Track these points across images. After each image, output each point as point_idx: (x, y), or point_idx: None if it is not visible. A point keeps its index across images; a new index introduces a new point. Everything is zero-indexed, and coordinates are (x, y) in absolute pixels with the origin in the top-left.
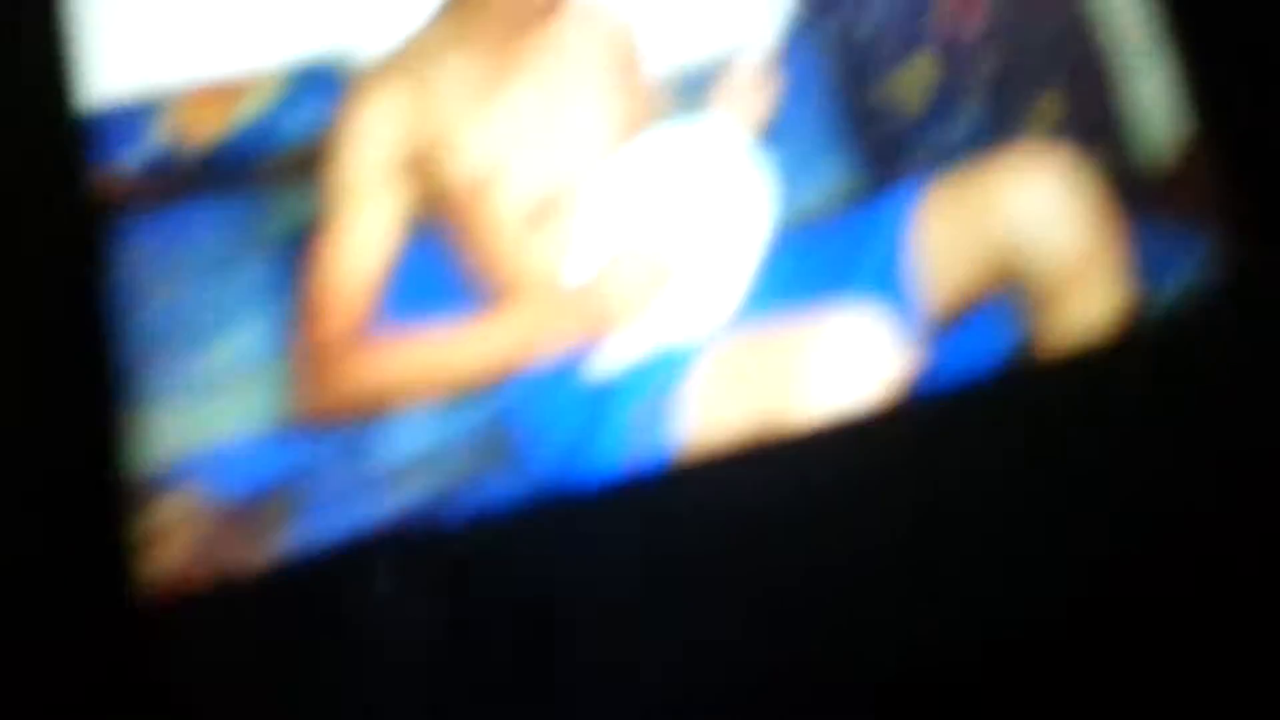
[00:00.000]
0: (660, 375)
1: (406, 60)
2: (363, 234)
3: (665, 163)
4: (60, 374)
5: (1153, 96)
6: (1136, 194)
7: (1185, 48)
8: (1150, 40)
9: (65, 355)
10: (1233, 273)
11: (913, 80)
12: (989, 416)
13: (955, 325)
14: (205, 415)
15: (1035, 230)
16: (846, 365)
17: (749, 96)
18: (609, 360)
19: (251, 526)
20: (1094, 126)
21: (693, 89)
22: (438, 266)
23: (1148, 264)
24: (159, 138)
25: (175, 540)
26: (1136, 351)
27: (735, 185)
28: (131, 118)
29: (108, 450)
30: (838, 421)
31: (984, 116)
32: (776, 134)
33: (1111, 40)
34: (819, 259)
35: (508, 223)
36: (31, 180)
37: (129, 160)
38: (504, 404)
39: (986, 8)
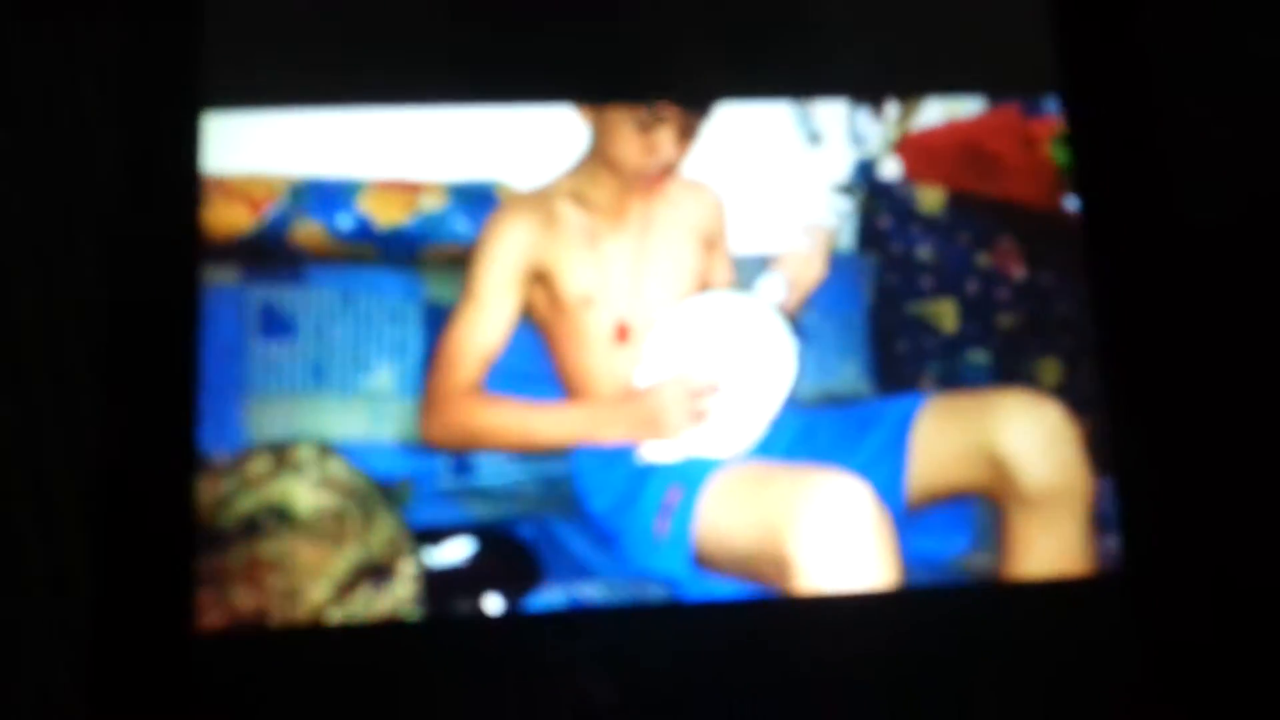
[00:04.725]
0: (690, 471)
1: (544, 197)
2: (486, 319)
3: (721, 317)
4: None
5: None
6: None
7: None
8: None
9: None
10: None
11: (936, 316)
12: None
13: (925, 511)
14: (361, 416)
15: (1023, 455)
16: (833, 513)
17: (804, 266)
18: (653, 452)
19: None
20: (1083, 399)
21: (756, 270)
22: (534, 357)
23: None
24: (357, 211)
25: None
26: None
27: (770, 350)
28: (339, 191)
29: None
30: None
31: (992, 361)
32: (812, 330)
33: None
34: (830, 432)
35: (594, 338)
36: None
37: (332, 223)
38: (570, 464)
39: (1026, 268)
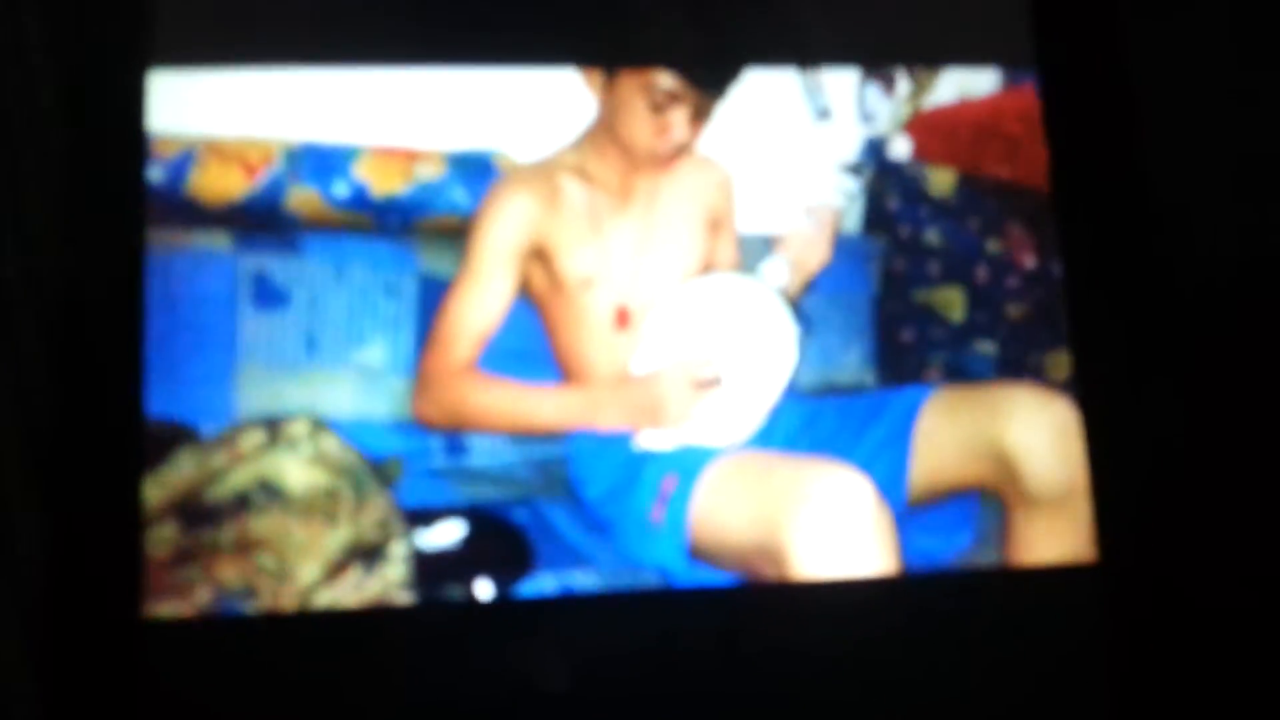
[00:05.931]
0: (687, 460)
1: (547, 170)
2: (483, 296)
3: (722, 301)
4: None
5: None
6: None
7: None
8: None
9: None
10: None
11: (943, 304)
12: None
13: (927, 508)
14: (352, 391)
15: (1031, 452)
16: (832, 507)
17: (807, 248)
18: (650, 439)
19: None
20: None
21: (763, 251)
22: (529, 335)
23: None
24: (354, 178)
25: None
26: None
27: (771, 336)
28: (336, 156)
29: None
30: (819, 582)
31: (1000, 353)
32: (816, 316)
33: None
34: (831, 423)
35: (593, 321)
36: None
37: (328, 190)
38: (566, 448)
39: (1038, 256)
